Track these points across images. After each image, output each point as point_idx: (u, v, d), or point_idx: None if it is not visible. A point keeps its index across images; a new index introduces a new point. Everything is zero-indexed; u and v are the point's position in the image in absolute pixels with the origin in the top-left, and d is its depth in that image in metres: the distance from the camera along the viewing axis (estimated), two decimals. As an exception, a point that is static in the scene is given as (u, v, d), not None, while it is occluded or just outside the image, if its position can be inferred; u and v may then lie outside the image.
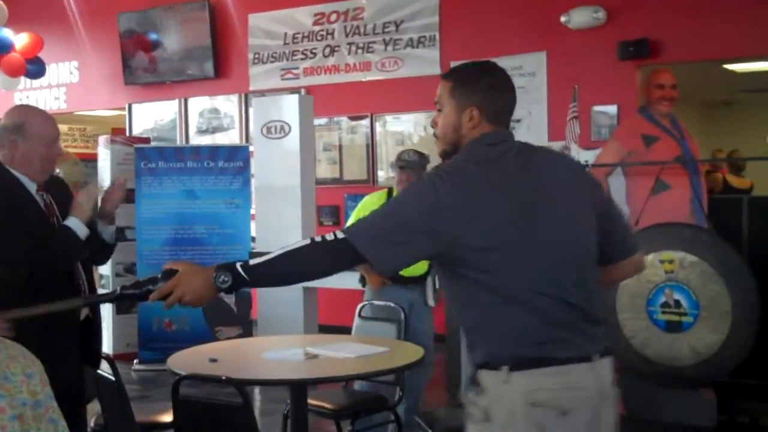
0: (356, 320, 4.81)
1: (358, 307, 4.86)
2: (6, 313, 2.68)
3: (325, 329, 7.17)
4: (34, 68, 8.67)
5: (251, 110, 8.36)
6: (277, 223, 6.73)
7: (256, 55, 9.41)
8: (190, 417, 3.37)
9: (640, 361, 5.34)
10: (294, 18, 9.16)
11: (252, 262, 2.34)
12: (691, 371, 5.20)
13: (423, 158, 5.18)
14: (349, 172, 8.95)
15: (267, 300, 6.68)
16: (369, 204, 5.15)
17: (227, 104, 9.79)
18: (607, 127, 7.29)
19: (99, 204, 3.65)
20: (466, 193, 2.27)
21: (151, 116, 10.38)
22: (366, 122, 8.83)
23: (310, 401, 4.12)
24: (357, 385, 4.75)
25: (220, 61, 9.63)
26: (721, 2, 6.91)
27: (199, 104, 10.00)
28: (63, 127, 11.01)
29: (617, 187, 5.72)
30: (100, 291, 6.11)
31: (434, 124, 2.54)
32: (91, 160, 9.48)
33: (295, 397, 3.85)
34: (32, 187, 3.36)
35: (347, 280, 6.47)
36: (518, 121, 7.72)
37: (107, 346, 6.89)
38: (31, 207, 3.34)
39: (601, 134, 7.29)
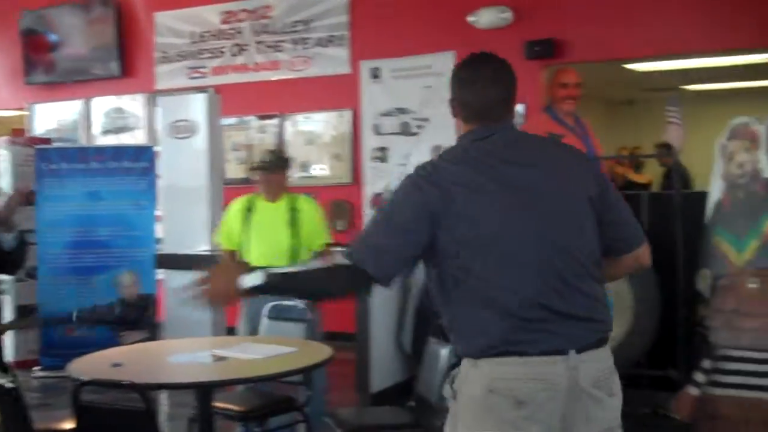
0: (264, 321, 4.77)
1: (266, 307, 4.81)
2: None
3: (233, 331, 7.10)
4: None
5: (158, 110, 8.22)
6: (184, 225, 6.63)
7: (163, 54, 9.26)
8: (93, 424, 3.30)
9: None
10: (201, 16, 9.04)
11: (277, 271, 2.42)
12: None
13: (281, 159, 5.16)
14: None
15: (173, 303, 6.57)
16: (231, 213, 5.16)
17: (133, 104, 9.59)
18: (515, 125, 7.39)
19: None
20: (446, 192, 2.30)
21: (54, 117, 10.10)
22: (276, 122, 8.77)
23: (218, 404, 4.07)
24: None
25: (126, 60, 9.44)
26: (623, 5, 7.08)
27: (103, 104, 9.77)
28: (-39, 128, 10.61)
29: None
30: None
31: None
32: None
33: (200, 400, 3.80)
34: None
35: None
36: (426, 119, 7.79)
37: (8, 353, 6.68)
38: None
39: (508, 133, 7.38)
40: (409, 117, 7.94)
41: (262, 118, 8.85)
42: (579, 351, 2.29)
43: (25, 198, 3.69)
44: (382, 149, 8.06)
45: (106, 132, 9.72)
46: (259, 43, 8.76)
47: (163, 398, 5.94)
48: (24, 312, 7.32)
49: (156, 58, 9.29)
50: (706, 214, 5.38)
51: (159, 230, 7.14)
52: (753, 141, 5.10)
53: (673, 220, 5.16)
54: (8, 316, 6.98)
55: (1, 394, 3.43)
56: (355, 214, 8.32)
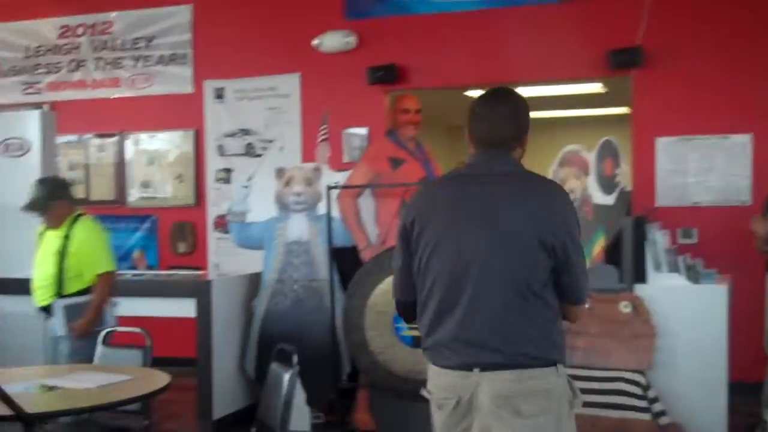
0: (99, 348, 4.60)
1: (101, 335, 4.65)
2: None
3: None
4: None
5: (-12, 126, 7.82)
6: (14, 247, 6.32)
7: (-5, 68, 8.84)
8: None
9: (388, 377, 5.48)
10: (37, 30, 8.69)
11: None
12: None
13: (50, 191, 4.99)
14: (96, 192, 8.58)
15: (2, 329, 6.24)
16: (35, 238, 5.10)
17: (-39, 119, 9.08)
18: (359, 149, 7.47)
19: None
20: (416, 204, 2.72)
21: None
22: (116, 140, 8.51)
23: (49, 436, 3.89)
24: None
25: (-47, 72, 8.96)
26: (463, 34, 7.28)
27: (-72, 118, 9.20)
28: None
29: (367, 208, 5.88)
30: None
31: None
32: None
33: (28, 434, 3.60)
34: None
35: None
36: (271, 141, 7.75)
37: None
38: None
39: (353, 156, 7.45)
40: (254, 138, 7.88)
41: (102, 136, 8.58)
42: (485, 369, 2.53)
43: None
44: (227, 170, 7.96)
45: (-69, 149, 9.17)
46: (98, 59, 8.49)
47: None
48: None
49: (-13, 72, 8.86)
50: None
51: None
52: (582, 168, 5.35)
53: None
54: None
55: None
56: (198, 236, 8.17)
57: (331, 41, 7.48)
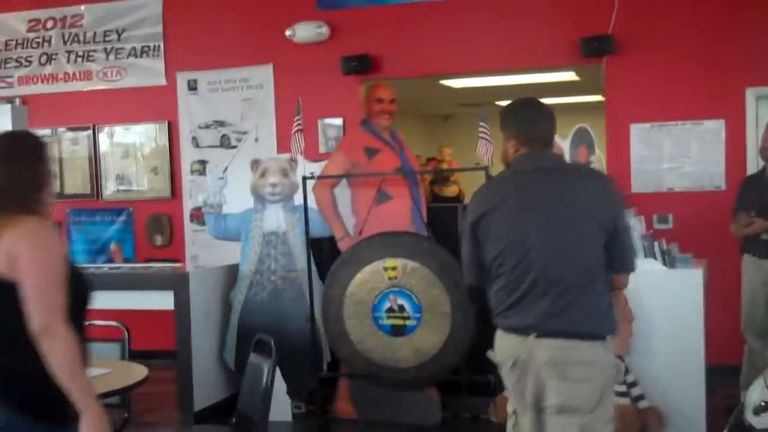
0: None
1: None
2: None
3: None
4: None
5: (-42, 121, 7.73)
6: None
7: (-36, 63, 8.73)
8: None
9: (368, 365, 5.50)
10: (6, 24, 8.59)
11: None
12: (416, 372, 5.43)
13: None
14: (71, 186, 8.51)
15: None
16: None
17: (-69, 115, 8.98)
18: (334, 139, 7.45)
19: None
20: (483, 201, 3.09)
21: None
22: (89, 133, 8.44)
23: None
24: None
25: (-77, 68, 8.84)
26: (438, 23, 7.28)
27: None
28: None
29: (343, 197, 5.87)
30: None
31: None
32: None
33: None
34: None
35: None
36: (246, 132, 7.73)
37: None
38: None
39: (329, 146, 7.44)
40: (229, 130, 7.85)
41: (75, 130, 8.51)
42: (540, 336, 2.90)
43: None
44: (202, 162, 7.92)
45: None
46: (69, 52, 8.41)
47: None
48: None
49: (-44, 66, 8.75)
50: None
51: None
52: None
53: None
54: None
55: None
56: (174, 229, 8.13)
57: (304, 32, 7.45)
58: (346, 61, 7.33)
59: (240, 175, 6.12)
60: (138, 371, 3.85)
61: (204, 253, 7.66)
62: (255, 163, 6.13)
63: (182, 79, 8.01)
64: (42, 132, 8.48)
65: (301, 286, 5.93)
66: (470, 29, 7.21)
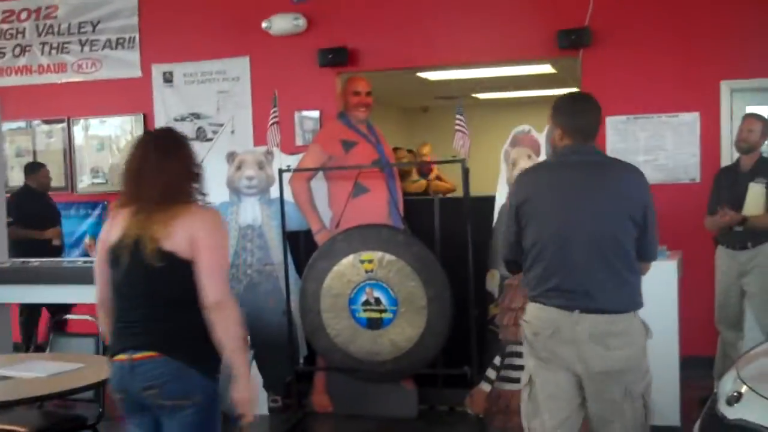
0: (50, 336, 4.54)
1: (52, 321, 4.60)
2: None
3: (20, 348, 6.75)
4: None
5: (-70, 114, 7.64)
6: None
7: (-64, 54, 8.63)
8: None
9: (345, 358, 5.50)
10: (-21, 15, 8.50)
11: None
12: (393, 365, 5.43)
13: None
14: (45, 179, 8.44)
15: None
16: None
17: None
18: (311, 132, 7.43)
19: None
20: (527, 187, 3.39)
21: None
22: (64, 126, 8.38)
23: (2, 426, 3.84)
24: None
25: None
26: (415, 15, 7.27)
27: None
28: None
29: (320, 190, 5.85)
30: None
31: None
32: None
33: (-21, 424, 3.56)
34: None
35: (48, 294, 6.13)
36: (222, 125, 7.69)
37: None
38: None
39: (306, 139, 7.42)
40: (204, 122, 7.81)
41: (49, 122, 8.44)
42: (583, 312, 3.21)
43: None
44: (178, 155, 7.86)
45: None
46: (43, 44, 8.33)
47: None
48: None
49: (-72, 58, 8.65)
50: (494, 217, 5.62)
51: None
52: (534, 148, 5.39)
53: (463, 224, 5.34)
54: None
55: None
56: (150, 222, 8.07)
57: (281, 24, 7.42)
58: (322, 54, 7.31)
59: (216, 167, 6.08)
60: (112, 366, 3.82)
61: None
62: (231, 156, 6.10)
63: (158, 71, 7.95)
64: (16, 124, 8.43)
65: (277, 279, 5.91)
66: (447, 22, 7.21)
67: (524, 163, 5.37)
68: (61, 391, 3.58)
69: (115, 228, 3.05)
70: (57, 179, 8.37)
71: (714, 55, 6.64)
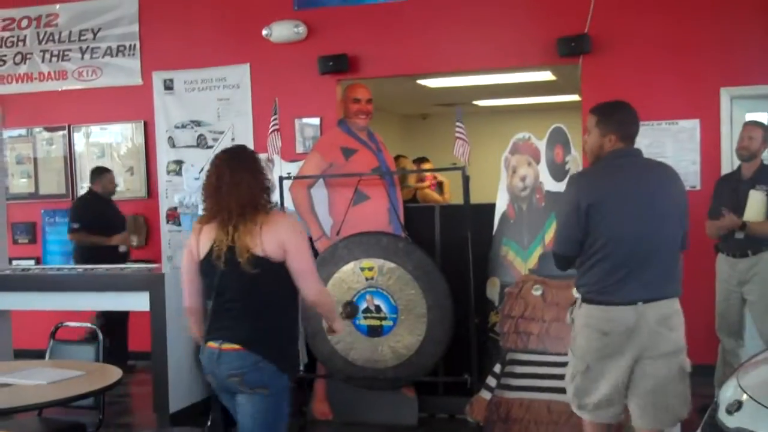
0: (50, 343, 4.53)
1: (53, 328, 4.59)
2: None
3: (23, 354, 6.73)
4: None
5: (-69, 121, 7.66)
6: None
7: (-63, 61, 8.65)
8: None
9: (346, 366, 5.49)
10: (-20, 22, 8.52)
11: None
12: (393, 372, 5.43)
13: None
14: (46, 186, 8.46)
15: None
16: None
17: None
18: (311, 139, 7.44)
19: None
20: (592, 190, 3.66)
21: None
22: (64, 133, 8.39)
23: (0, 434, 3.84)
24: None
25: None
26: (415, 23, 7.29)
27: None
28: None
29: (320, 198, 5.86)
30: None
31: (585, 143, 3.88)
32: None
33: (-21, 432, 3.56)
34: None
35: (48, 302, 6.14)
36: (222, 132, 7.70)
37: None
38: None
39: (306, 146, 7.43)
40: (205, 129, 7.81)
41: (50, 130, 8.45)
42: (646, 302, 3.59)
43: None
44: (178, 162, 7.88)
45: None
46: (44, 51, 8.35)
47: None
48: None
49: (-71, 65, 8.66)
50: (494, 225, 5.62)
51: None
52: (533, 155, 5.39)
53: (463, 231, 5.34)
54: None
55: None
56: (151, 229, 8.08)
57: (281, 31, 7.44)
58: (323, 61, 7.32)
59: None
60: (112, 373, 3.83)
61: (180, 253, 7.61)
62: (231, 163, 6.09)
63: (158, 78, 7.97)
64: (17, 132, 8.45)
65: (277, 286, 5.90)
66: (447, 29, 7.22)
67: (524, 170, 5.38)
68: (61, 398, 3.57)
69: (203, 241, 3.43)
70: (58, 186, 8.39)
71: (714, 62, 6.65)
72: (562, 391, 4.83)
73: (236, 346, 3.34)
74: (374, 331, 5.40)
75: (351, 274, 5.42)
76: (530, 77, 9.19)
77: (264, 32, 7.45)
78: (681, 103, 6.73)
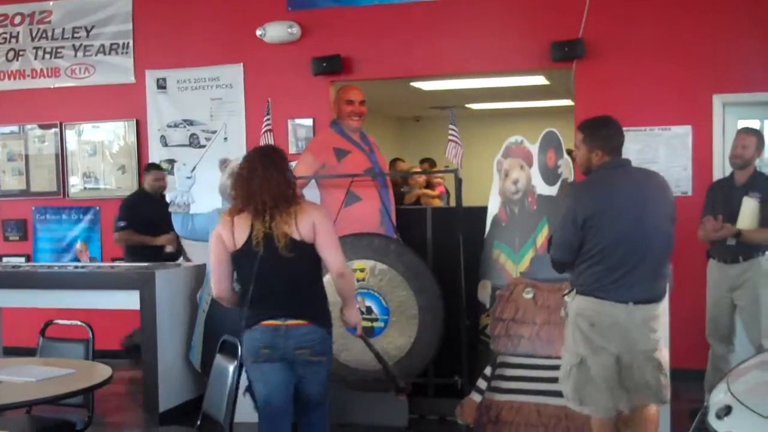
0: (40, 341, 4.52)
1: (43, 326, 4.57)
2: None
3: (13, 351, 6.71)
4: None
5: None
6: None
7: (-71, 57, 8.61)
8: None
9: (337, 367, 5.47)
10: (-27, 19, 8.49)
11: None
12: (384, 374, 5.41)
13: None
14: (37, 183, 8.43)
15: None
16: None
17: None
18: (304, 139, 7.43)
19: None
20: (591, 201, 3.92)
21: None
22: (56, 131, 8.36)
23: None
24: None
25: None
26: (408, 25, 7.29)
27: None
28: None
29: (312, 198, 5.84)
30: None
31: (575, 158, 4.25)
32: None
33: (-33, 429, 3.54)
34: None
35: (38, 299, 6.12)
36: (215, 132, 7.69)
37: None
38: None
39: (299, 146, 7.42)
40: (197, 129, 7.80)
41: (42, 127, 8.42)
42: (636, 303, 3.88)
43: None
44: (170, 161, 7.86)
45: None
46: (37, 48, 8.32)
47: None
48: None
49: None
50: (486, 227, 5.63)
51: None
52: (526, 159, 5.40)
53: (455, 234, 5.35)
54: None
55: None
56: (141, 228, 8.06)
57: (275, 31, 7.43)
58: (316, 62, 7.32)
59: (208, 174, 6.08)
60: (102, 371, 3.82)
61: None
62: (224, 163, 6.08)
63: (151, 77, 7.95)
64: (8, 129, 8.42)
65: (269, 286, 5.89)
66: (441, 32, 7.23)
67: (516, 174, 5.38)
68: (50, 396, 3.56)
69: (238, 231, 3.81)
70: (49, 184, 8.37)
71: (706, 68, 6.67)
72: (553, 394, 4.85)
73: (301, 321, 3.79)
74: (366, 333, 5.39)
75: (342, 275, 5.41)
76: (524, 81, 9.21)
77: (258, 32, 7.45)
78: (673, 109, 6.75)
